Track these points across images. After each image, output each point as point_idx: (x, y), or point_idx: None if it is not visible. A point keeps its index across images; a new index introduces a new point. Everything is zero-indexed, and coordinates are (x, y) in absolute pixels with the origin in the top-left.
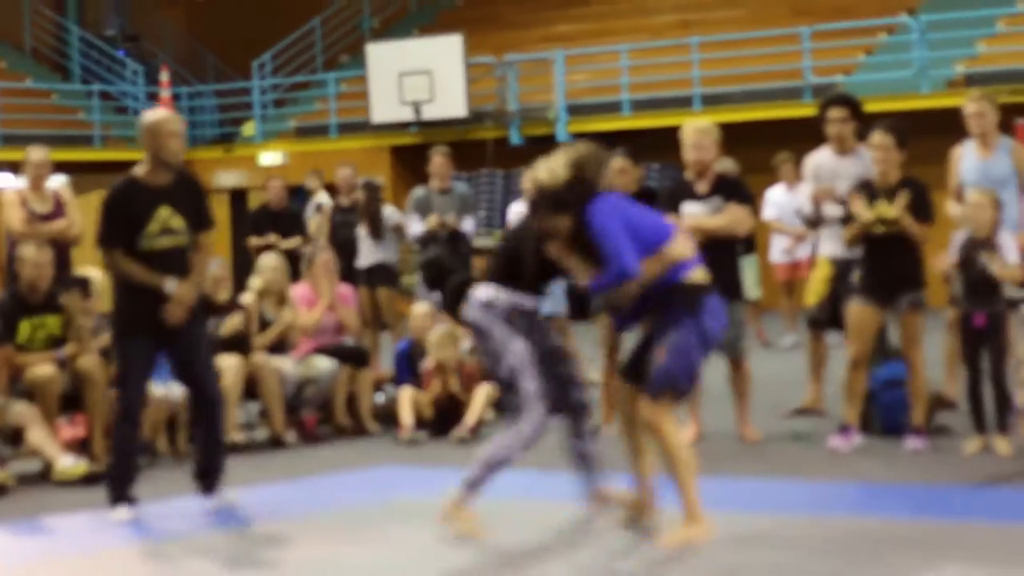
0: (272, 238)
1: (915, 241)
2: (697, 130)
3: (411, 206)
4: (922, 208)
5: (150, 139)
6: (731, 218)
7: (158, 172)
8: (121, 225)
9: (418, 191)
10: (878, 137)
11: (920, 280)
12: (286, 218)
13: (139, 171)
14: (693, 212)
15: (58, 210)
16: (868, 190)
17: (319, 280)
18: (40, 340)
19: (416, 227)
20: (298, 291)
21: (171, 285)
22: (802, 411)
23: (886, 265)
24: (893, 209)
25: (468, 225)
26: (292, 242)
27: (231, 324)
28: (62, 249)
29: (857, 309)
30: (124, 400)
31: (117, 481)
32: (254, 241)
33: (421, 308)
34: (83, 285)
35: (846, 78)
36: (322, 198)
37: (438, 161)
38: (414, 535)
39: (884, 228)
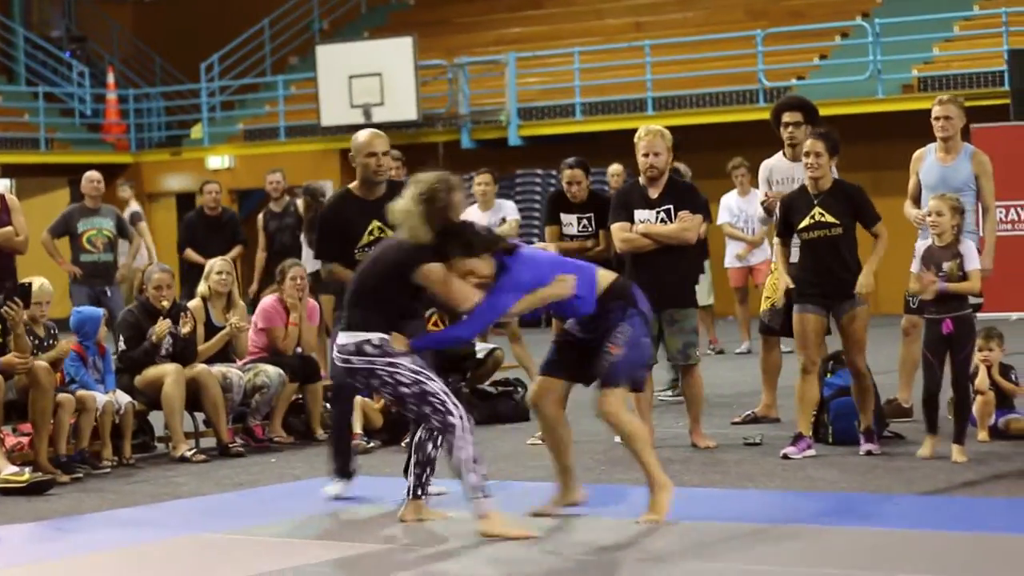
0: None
1: (851, 247)
2: (650, 133)
3: None
4: (864, 211)
5: (354, 156)
6: (682, 225)
7: (369, 187)
8: (335, 239)
9: None
10: (809, 144)
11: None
12: (222, 223)
13: (353, 185)
14: (644, 218)
15: (3, 216)
16: (804, 196)
17: (291, 294)
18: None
19: None
20: (267, 304)
21: None
22: (756, 418)
23: (824, 270)
24: (829, 215)
25: None
26: (232, 255)
27: (160, 330)
28: (6, 258)
29: (799, 316)
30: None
31: (336, 457)
32: (190, 254)
33: None
34: (24, 294)
35: (801, 82)
36: (134, 207)
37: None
38: (363, 541)
39: (819, 233)
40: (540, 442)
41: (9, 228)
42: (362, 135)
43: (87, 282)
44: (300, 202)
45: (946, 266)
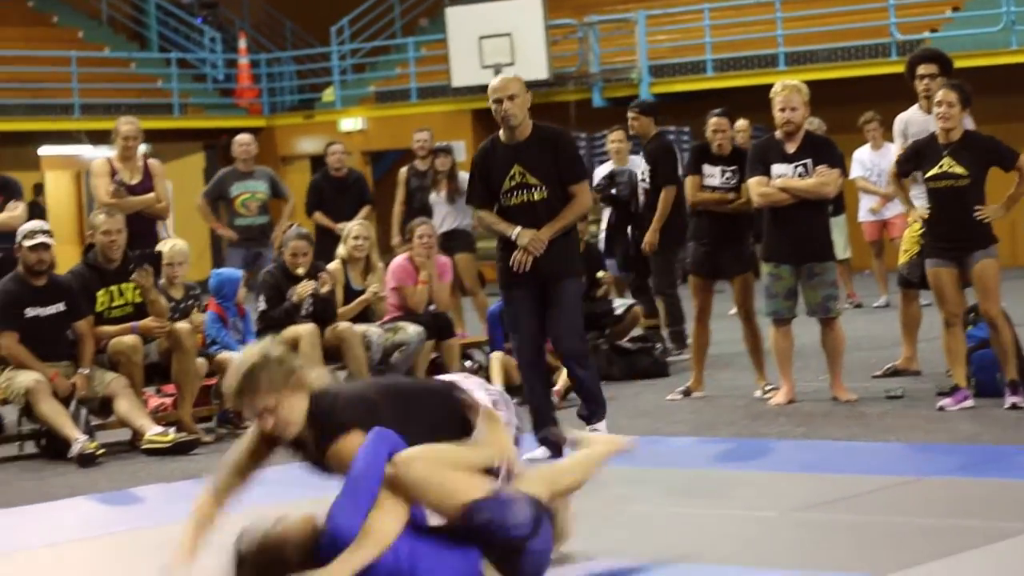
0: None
1: (979, 198)
2: (787, 88)
3: None
4: (1000, 153)
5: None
6: (820, 180)
7: (508, 132)
8: (481, 184)
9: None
10: (941, 94)
11: (990, 234)
12: (348, 184)
13: (500, 132)
14: (782, 172)
15: (147, 182)
16: (934, 145)
17: (420, 253)
18: (118, 309)
19: None
20: (397, 263)
21: (516, 232)
22: (896, 371)
23: (951, 222)
24: (960, 166)
25: None
26: (360, 216)
27: (302, 290)
28: (149, 222)
29: (932, 271)
30: (515, 346)
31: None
32: (319, 217)
33: None
34: (153, 260)
35: (934, 34)
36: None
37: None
38: None
39: (947, 183)
40: (680, 397)
41: (151, 195)
42: (492, 82)
43: (242, 245)
44: (439, 161)
45: None
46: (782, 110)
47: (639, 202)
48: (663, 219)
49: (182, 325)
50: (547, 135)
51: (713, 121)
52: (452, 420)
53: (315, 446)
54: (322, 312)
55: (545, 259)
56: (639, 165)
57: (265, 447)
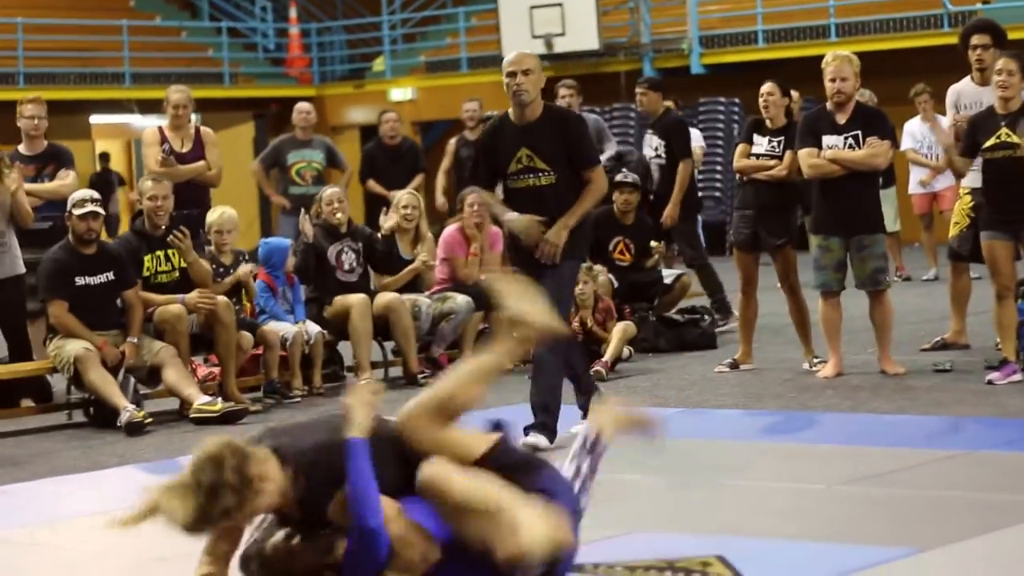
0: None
1: None
2: (838, 59)
3: None
4: None
5: None
6: (871, 151)
7: (518, 110)
8: (485, 165)
9: None
10: (1002, 62)
11: None
12: (401, 153)
13: (510, 110)
14: (832, 143)
15: (198, 150)
16: (992, 117)
17: (470, 223)
18: (165, 275)
19: None
20: (448, 233)
21: (509, 218)
22: (945, 345)
23: (1007, 193)
24: (1016, 136)
25: (609, 150)
26: (413, 185)
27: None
28: (201, 190)
29: (987, 243)
30: None
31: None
32: (372, 185)
33: None
34: (192, 223)
35: (986, 6)
36: None
37: (564, 94)
38: None
39: (1004, 154)
40: (727, 370)
41: (202, 163)
42: (506, 57)
43: (295, 213)
44: None
45: None
46: (832, 80)
47: (653, 180)
48: (683, 192)
49: (221, 299)
50: (558, 116)
51: (763, 88)
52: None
53: (307, 520)
54: (376, 264)
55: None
56: (649, 142)
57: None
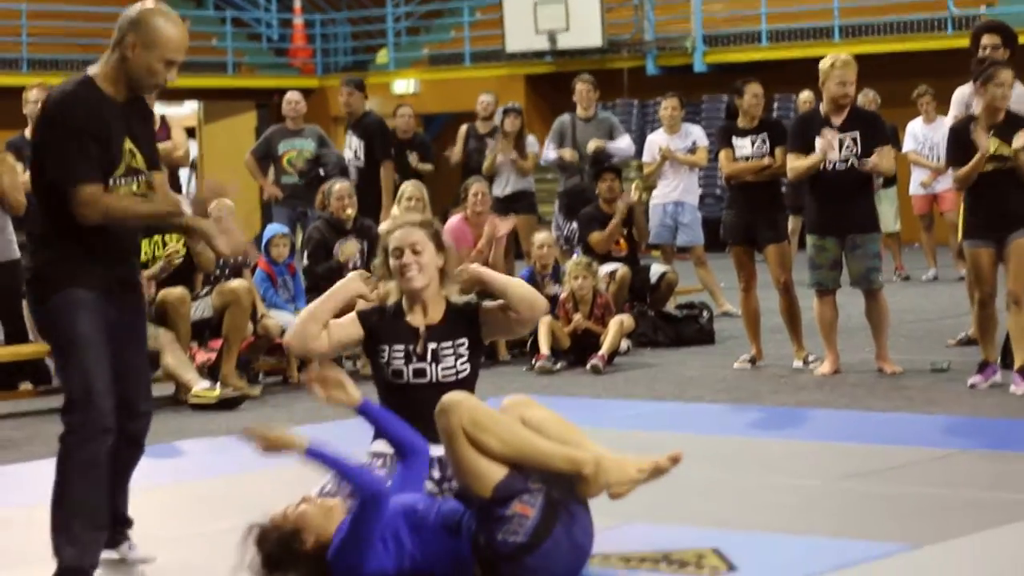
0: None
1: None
2: (847, 65)
3: (552, 132)
4: None
5: None
6: (885, 159)
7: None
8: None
9: (563, 117)
10: (1006, 75)
11: None
12: (415, 146)
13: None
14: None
15: (163, 132)
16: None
17: (472, 211)
18: (161, 258)
19: (549, 153)
20: (452, 224)
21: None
22: (970, 340)
23: (996, 203)
24: (1007, 147)
25: (623, 142)
26: (426, 167)
27: (348, 250)
28: (171, 172)
29: (971, 252)
30: None
31: None
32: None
33: (543, 237)
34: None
35: (990, 9)
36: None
37: (581, 88)
38: None
39: (994, 165)
40: (748, 367)
41: (169, 142)
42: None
43: (287, 204)
44: (508, 122)
45: None
46: (841, 84)
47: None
48: (390, 195)
49: (242, 282)
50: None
51: (757, 90)
52: None
53: None
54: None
55: None
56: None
57: None
